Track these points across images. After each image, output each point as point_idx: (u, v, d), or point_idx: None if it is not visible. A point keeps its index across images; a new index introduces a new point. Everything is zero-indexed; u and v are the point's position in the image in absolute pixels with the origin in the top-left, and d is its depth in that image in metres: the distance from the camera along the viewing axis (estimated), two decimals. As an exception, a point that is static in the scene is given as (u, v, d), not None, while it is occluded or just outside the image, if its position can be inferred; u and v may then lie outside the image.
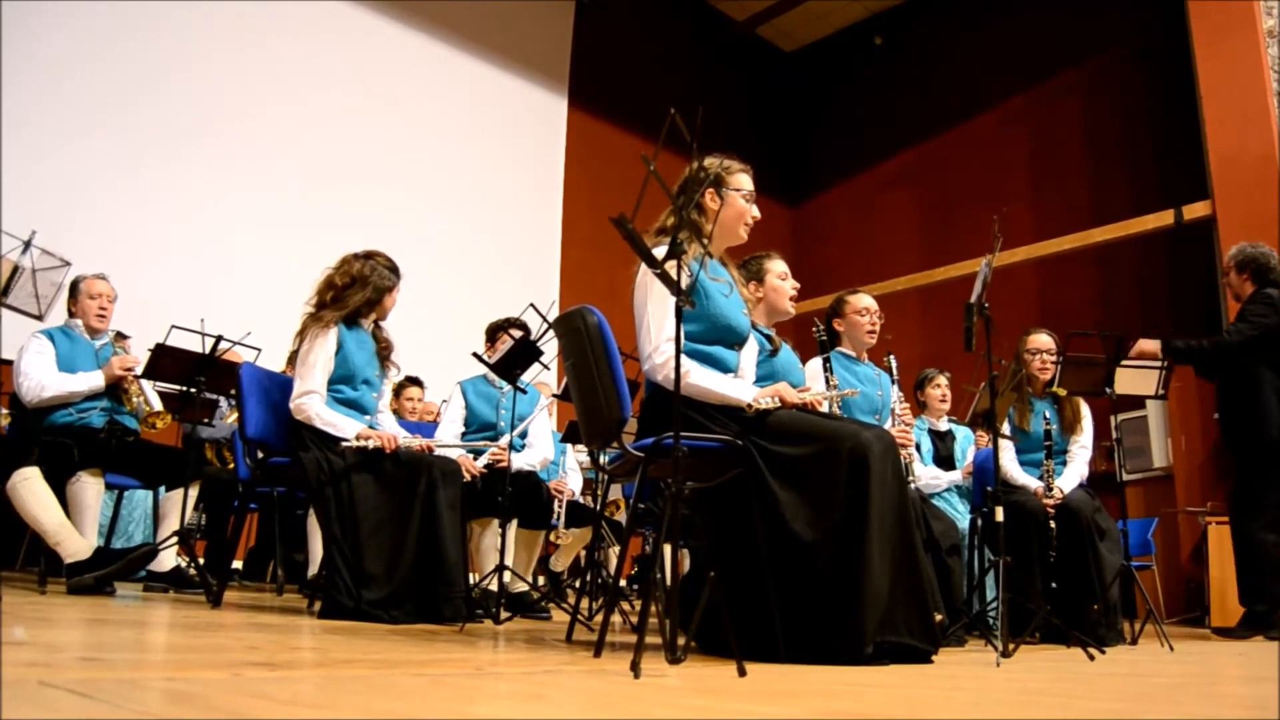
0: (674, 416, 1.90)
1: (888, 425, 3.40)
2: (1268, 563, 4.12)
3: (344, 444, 3.02)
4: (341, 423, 3.10)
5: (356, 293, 3.28)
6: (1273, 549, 4.13)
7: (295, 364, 3.24)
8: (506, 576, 3.89)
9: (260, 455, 3.27)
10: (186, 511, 3.69)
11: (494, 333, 4.09)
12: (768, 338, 2.96)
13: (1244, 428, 4.27)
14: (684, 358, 2.26)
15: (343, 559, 2.89)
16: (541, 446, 4.26)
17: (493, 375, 3.98)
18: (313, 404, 3.11)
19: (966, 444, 4.70)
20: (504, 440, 3.92)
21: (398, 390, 5.22)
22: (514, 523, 3.94)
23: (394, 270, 3.37)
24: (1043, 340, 4.12)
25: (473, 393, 4.23)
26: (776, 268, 3.06)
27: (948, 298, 8.53)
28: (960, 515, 4.34)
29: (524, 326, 3.88)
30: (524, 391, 3.81)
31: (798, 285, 3.11)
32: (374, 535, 2.93)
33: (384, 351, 3.40)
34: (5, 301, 3.38)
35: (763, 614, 2.15)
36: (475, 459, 3.92)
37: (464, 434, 4.18)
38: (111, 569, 3.24)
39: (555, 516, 4.43)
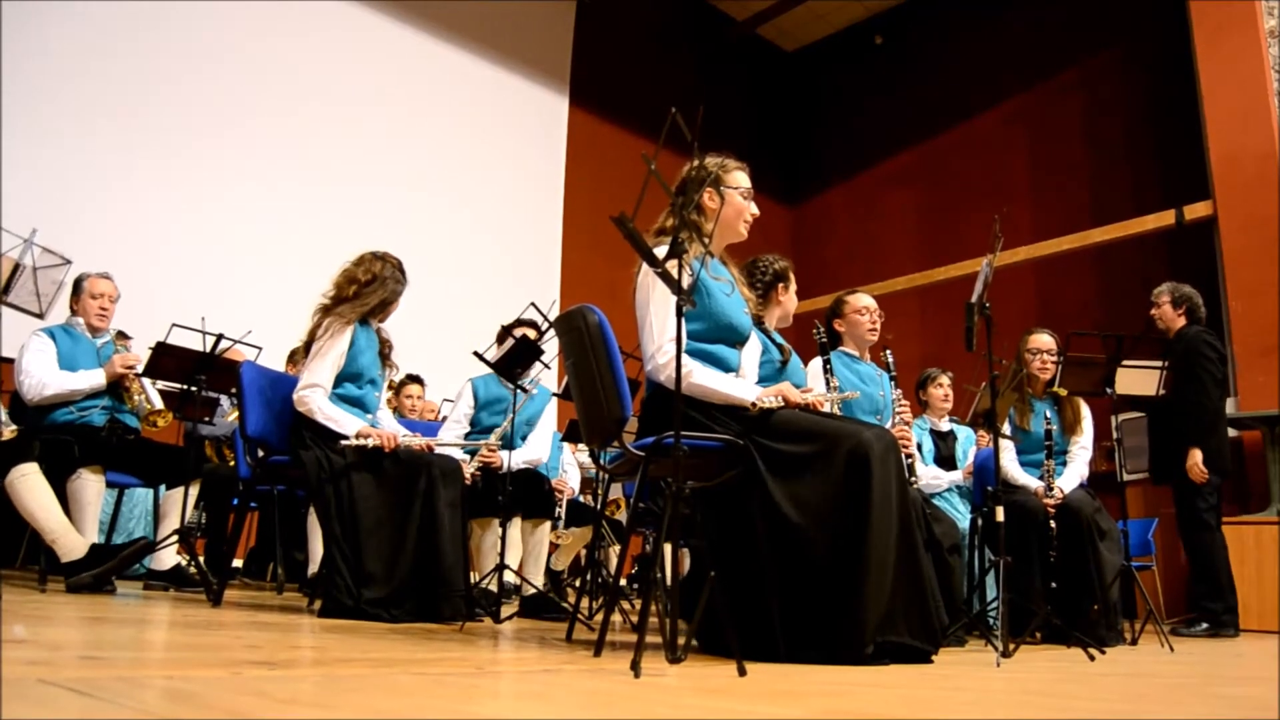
0: (674, 416, 1.90)
1: (888, 424, 3.41)
2: None
3: (344, 442, 3.02)
4: (343, 419, 3.10)
5: (376, 291, 3.29)
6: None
7: (304, 355, 3.24)
8: (514, 579, 3.89)
9: (261, 454, 3.27)
10: (187, 510, 3.69)
11: (503, 337, 4.09)
12: (779, 347, 2.97)
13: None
14: (687, 358, 2.27)
15: (342, 558, 2.89)
16: (536, 445, 4.24)
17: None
18: (316, 397, 3.11)
19: (968, 444, 4.70)
20: (497, 433, 3.91)
21: (399, 388, 5.22)
22: (516, 521, 3.93)
23: (404, 274, 3.39)
24: (1043, 340, 4.12)
25: (483, 391, 4.19)
26: (793, 282, 3.18)
27: (948, 297, 8.53)
28: (961, 515, 4.34)
29: (535, 325, 3.88)
30: (526, 391, 3.80)
31: (796, 303, 3.21)
32: (374, 534, 2.93)
33: (385, 350, 3.41)
34: (6, 299, 3.38)
35: (763, 614, 2.15)
36: (471, 459, 3.91)
37: (468, 434, 4.17)
38: (107, 566, 3.23)
39: (556, 516, 4.42)
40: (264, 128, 6.53)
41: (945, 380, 4.75)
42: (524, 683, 1.54)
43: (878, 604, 2.07)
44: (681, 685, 1.56)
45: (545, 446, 4.33)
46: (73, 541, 3.31)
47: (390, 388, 5.05)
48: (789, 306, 3.16)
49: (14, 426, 3.43)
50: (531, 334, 3.85)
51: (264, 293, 5.89)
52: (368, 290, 3.27)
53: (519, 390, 3.67)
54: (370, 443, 3.00)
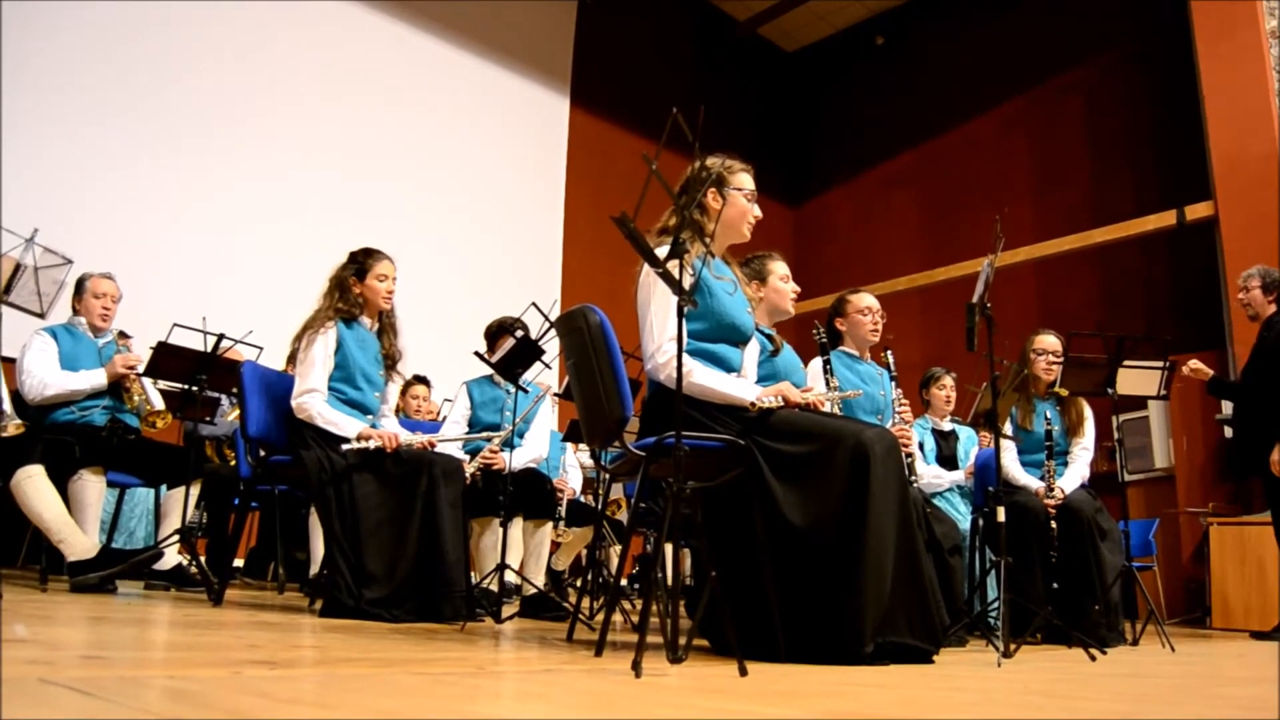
0: (675, 416, 1.90)
1: (889, 424, 3.40)
2: None
3: (346, 446, 3.01)
4: (343, 422, 3.10)
5: (329, 296, 3.31)
6: None
7: (295, 364, 3.25)
8: (515, 579, 3.89)
9: (262, 453, 3.27)
10: (188, 509, 3.69)
11: (494, 335, 4.09)
12: (769, 338, 2.96)
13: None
14: (687, 357, 2.26)
15: (343, 558, 2.89)
16: (535, 444, 4.25)
17: (498, 376, 3.97)
18: (314, 403, 3.11)
19: (970, 444, 4.69)
20: (499, 437, 3.92)
21: (404, 388, 5.22)
22: (518, 521, 3.93)
23: (360, 256, 3.35)
24: (1049, 342, 4.12)
25: (478, 393, 4.22)
26: (779, 269, 3.09)
27: (949, 298, 8.52)
28: (962, 516, 4.33)
29: (523, 326, 3.88)
30: (526, 391, 3.80)
31: (798, 289, 3.13)
32: (375, 534, 2.93)
33: (389, 360, 3.40)
34: (7, 299, 3.38)
35: (764, 613, 2.15)
36: (472, 459, 3.91)
37: (468, 433, 4.17)
38: (116, 569, 3.24)
39: (557, 516, 4.42)
40: (265, 127, 6.53)
41: (949, 380, 4.74)
42: (525, 683, 1.54)
43: (878, 604, 2.07)
44: (682, 685, 1.56)
45: (544, 443, 4.34)
46: (81, 542, 3.32)
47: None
48: (774, 299, 3.06)
49: (19, 420, 3.44)
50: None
51: (265, 293, 5.89)
52: (326, 298, 3.31)
53: (520, 391, 3.67)
54: (372, 444, 3.00)
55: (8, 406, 3.48)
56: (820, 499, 2.16)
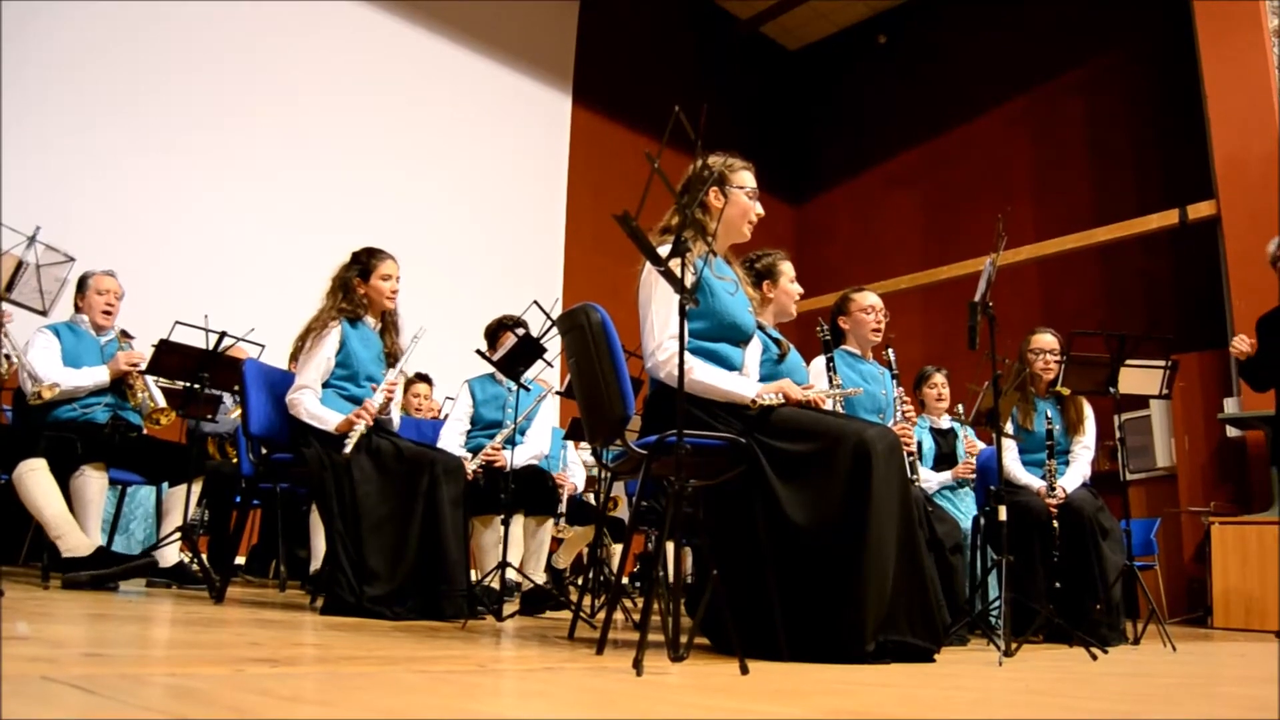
0: (678, 414, 1.90)
1: (890, 423, 3.40)
2: None
3: (344, 453, 3.00)
4: (327, 416, 3.11)
5: (332, 296, 3.32)
6: None
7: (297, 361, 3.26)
8: (516, 577, 3.89)
9: (264, 451, 3.28)
10: (190, 507, 3.69)
11: (493, 333, 4.09)
12: (776, 341, 2.96)
13: None
14: (687, 355, 2.26)
15: (345, 555, 2.89)
16: (536, 441, 4.26)
17: (500, 374, 3.98)
18: (304, 399, 3.14)
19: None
20: (502, 435, 3.92)
21: (406, 386, 5.23)
22: (519, 519, 3.94)
23: (362, 257, 3.36)
24: (1046, 340, 4.11)
25: (480, 391, 4.23)
26: (789, 270, 3.12)
27: (951, 297, 8.52)
28: (963, 515, 4.33)
29: (523, 323, 3.88)
30: (528, 389, 3.81)
31: (801, 291, 3.15)
32: (376, 531, 2.94)
33: (391, 358, 3.41)
34: (9, 297, 3.38)
35: (766, 612, 2.15)
36: (474, 457, 3.92)
37: (470, 432, 4.18)
38: (109, 571, 3.23)
39: (559, 513, 4.43)
40: (266, 125, 6.53)
41: (939, 379, 4.74)
42: (526, 681, 1.54)
43: (879, 603, 2.07)
44: (684, 684, 1.56)
45: (545, 440, 4.35)
46: (77, 539, 3.32)
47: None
48: (783, 301, 3.10)
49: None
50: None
51: (267, 290, 5.89)
52: (330, 299, 3.31)
53: (521, 389, 3.67)
54: (359, 428, 3.00)
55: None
56: (822, 497, 2.16)
